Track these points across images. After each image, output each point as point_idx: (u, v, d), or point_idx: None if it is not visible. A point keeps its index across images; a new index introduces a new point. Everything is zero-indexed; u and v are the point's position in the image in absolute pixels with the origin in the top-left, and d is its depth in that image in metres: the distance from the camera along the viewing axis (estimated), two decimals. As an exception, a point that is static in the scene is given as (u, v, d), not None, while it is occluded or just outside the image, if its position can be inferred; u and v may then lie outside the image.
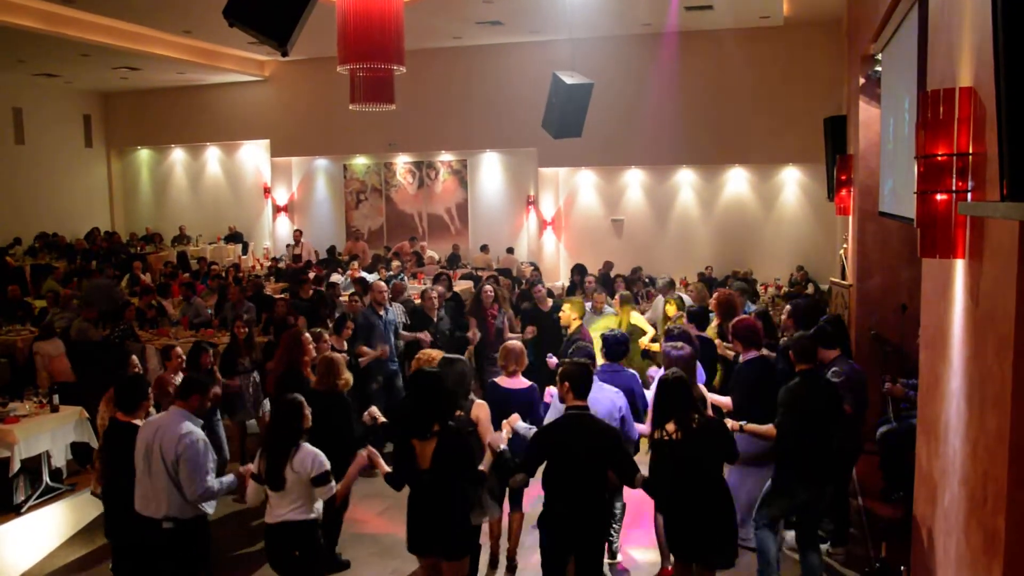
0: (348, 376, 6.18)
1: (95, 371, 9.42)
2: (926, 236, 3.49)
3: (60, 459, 7.68)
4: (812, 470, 5.53)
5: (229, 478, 5.14)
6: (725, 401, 6.51)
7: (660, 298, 10.46)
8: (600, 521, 4.95)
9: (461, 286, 13.63)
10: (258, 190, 22.00)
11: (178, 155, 22.97)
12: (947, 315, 3.99)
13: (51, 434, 7.51)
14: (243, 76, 20.21)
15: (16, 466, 7.06)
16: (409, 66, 12.92)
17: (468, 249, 19.73)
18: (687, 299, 10.37)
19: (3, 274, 14.69)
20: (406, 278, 14.54)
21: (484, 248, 18.81)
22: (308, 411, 4.94)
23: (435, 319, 9.49)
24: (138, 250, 19.54)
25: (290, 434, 4.85)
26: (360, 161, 21.09)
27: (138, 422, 5.36)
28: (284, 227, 21.63)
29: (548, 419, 5.59)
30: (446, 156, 20.33)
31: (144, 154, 23.26)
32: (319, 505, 4.94)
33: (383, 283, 10.00)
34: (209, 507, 5.16)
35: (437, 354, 5.84)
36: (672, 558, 5.46)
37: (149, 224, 22.57)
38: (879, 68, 8.35)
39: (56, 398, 7.74)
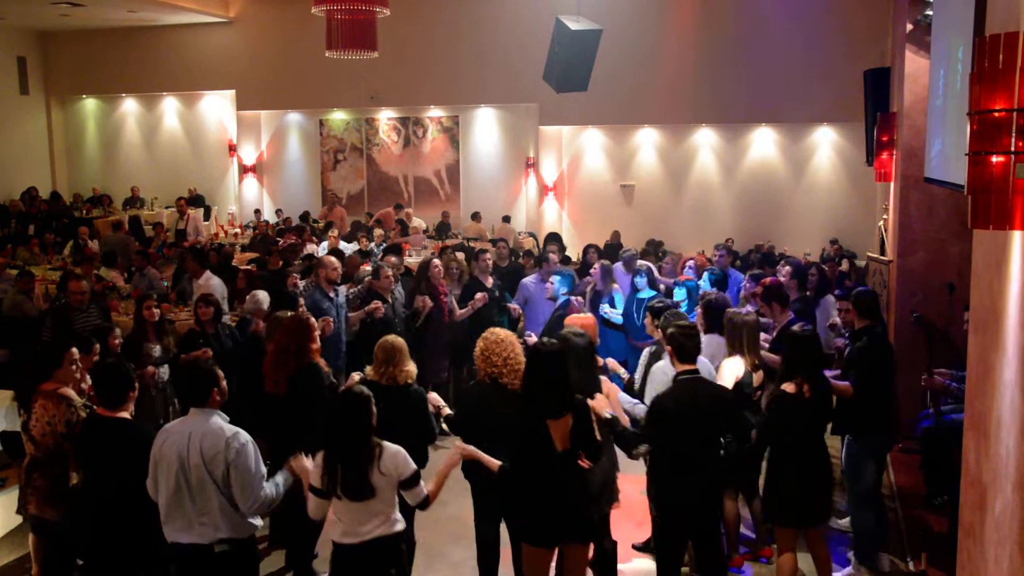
0: (412, 366, 5.86)
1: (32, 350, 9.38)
2: (978, 204, 3.42)
3: (-13, 450, 7.59)
4: (891, 428, 6.36)
5: (284, 476, 4.85)
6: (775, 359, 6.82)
7: (619, 266, 10.54)
8: (720, 494, 5.52)
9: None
10: (222, 147, 21.87)
11: (130, 106, 22.77)
12: (1001, 296, 3.93)
13: (-24, 422, 7.43)
14: (204, 16, 19.98)
15: (-64, 457, 6.99)
16: (394, 8, 12.88)
17: (459, 217, 19.69)
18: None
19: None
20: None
21: (476, 216, 18.74)
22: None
23: (390, 300, 8.90)
24: (84, 214, 19.44)
25: (366, 434, 4.55)
26: (338, 116, 20.96)
27: (125, 415, 4.99)
28: (252, 190, 21.55)
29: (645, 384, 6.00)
30: (435, 112, 20.21)
31: (90, 104, 23.05)
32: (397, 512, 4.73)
33: (334, 258, 9.34)
34: (257, 520, 4.84)
35: (585, 319, 6.09)
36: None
37: (96, 184, 22.41)
38: (930, 12, 8.23)
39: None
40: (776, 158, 17.93)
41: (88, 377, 6.06)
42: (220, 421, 4.68)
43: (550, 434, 4.80)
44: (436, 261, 9.54)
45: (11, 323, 9.89)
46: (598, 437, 5.05)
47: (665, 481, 5.31)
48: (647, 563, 6.54)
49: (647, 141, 18.78)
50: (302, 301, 7.96)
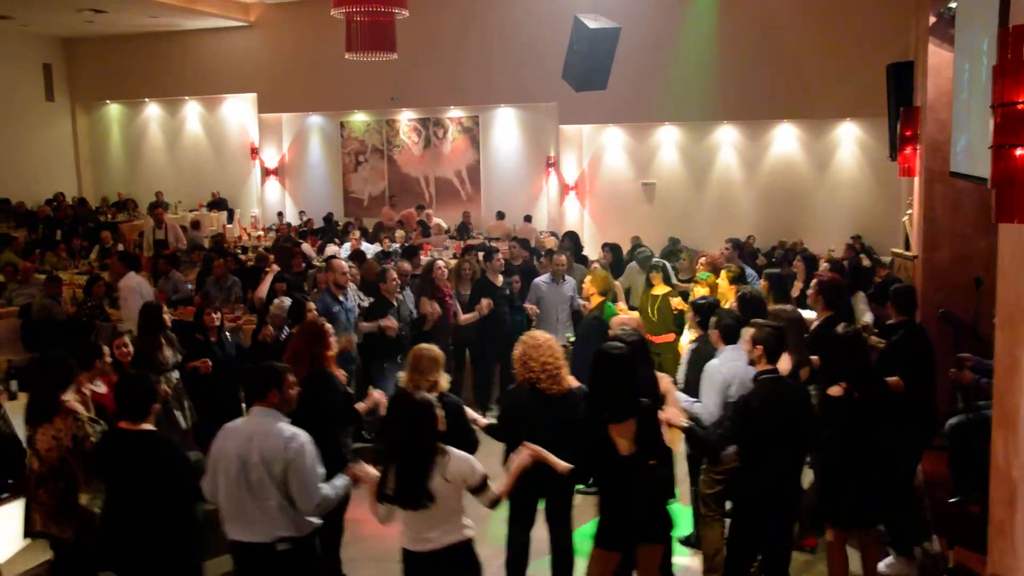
0: (443, 377, 5.66)
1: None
2: (1003, 197, 3.39)
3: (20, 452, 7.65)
4: (930, 422, 6.59)
5: (343, 480, 4.85)
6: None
7: (634, 265, 10.74)
8: (799, 492, 5.48)
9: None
10: (244, 151, 21.98)
11: (153, 111, 22.96)
12: (1029, 290, 3.89)
13: (8, 424, 7.48)
14: (225, 21, 20.11)
15: (-32, 460, 7.02)
16: (413, 9, 12.89)
17: (480, 217, 19.70)
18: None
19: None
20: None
21: (501, 215, 18.74)
22: (441, 412, 4.65)
23: (395, 303, 8.74)
24: (109, 218, 19.57)
25: (428, 440, 4.48)
26: (359, 118, 21.03)
27: (148, 427, 4.91)
28: (274, 192, 21.66)
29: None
30: (455, 112, 20.24)
31: (114, 109, 23.25)
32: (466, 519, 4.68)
33: (343, 261, 9.24)
34: (315, 519, 4.82)
35: (632, 315, 6.05)
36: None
37: (121, 189, 22.62)
38: (953, 4, 8.15)
39: (14, 384, 7.74)
40: (798, 154, 17.82)
41: (96, 384, 6.11)
42: (279, 422, 4.65)
43: (612, 439, 4.77)
44: (440, 263, 9.46)
45: (39, 327, 9.99)
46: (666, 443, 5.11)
47: (748, 478, 5.30)
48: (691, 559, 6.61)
49: (668, 139, 18.72)
50: (313, 306, 7.91)
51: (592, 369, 4.96)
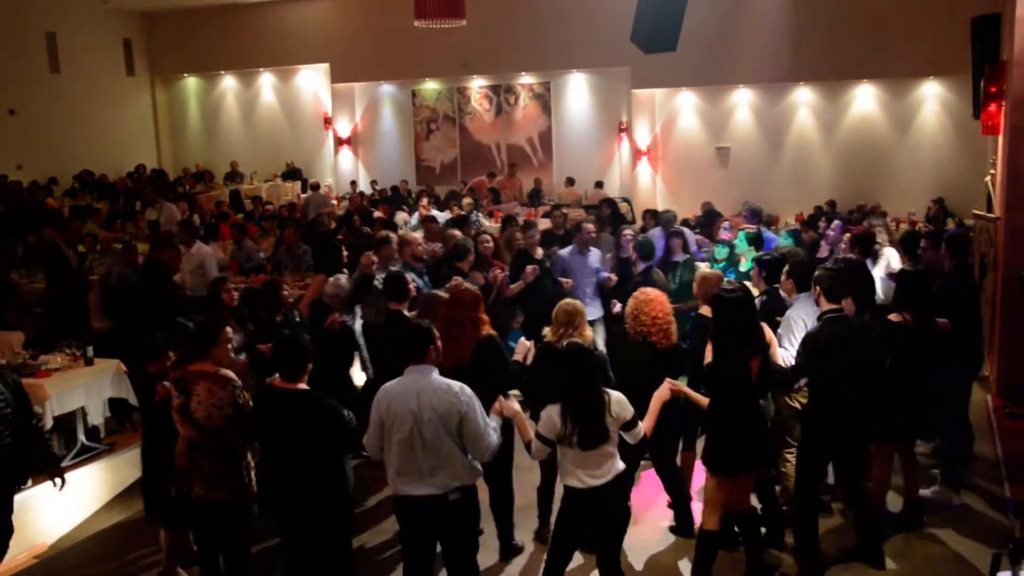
0: (590, 331, 6.05)
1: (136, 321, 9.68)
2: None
3: (97, 416, 7.88)
4: (978, 357, 7.36)
5: (495, 421, 5.02)
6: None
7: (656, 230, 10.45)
8: (863, 420, 5.81)
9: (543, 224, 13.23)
10: (318, 121, 22.17)
11: (229, 83, 23.29)
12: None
13: (86, 389, 7.69)
14: (298, -8, 20.24)
15: (48, 423, 7.24)
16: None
17: (552, 183, 19.60)
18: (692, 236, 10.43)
19: (39, 216, 15.06)
20: (481, 216, 14.40)
21: (571, 181, 18.59)
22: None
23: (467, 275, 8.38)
24: (187, 189, 19.94)
25: (596, 382, 4.90)
26: (430, 86, 21.03)
27: (303, 386, 5.04)
28: (347, 162, 21.84)
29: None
30: (526, 78, 20.10)
31: (191, 82, 23.64)
32: None
33: (416, 234, 9.10)
34: (479, 466, 5.05)
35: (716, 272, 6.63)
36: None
37: (199, 160, 22.97)
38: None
39: (90, 350, 7.92)
40: (878, 115, 17.24)
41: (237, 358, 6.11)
42: (440, 377, 4.87)
43: (751, 372, 5.28)
44: (485, 236, 9.33)
45: (117, 295, 10.20)
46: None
47: (815, 408, 5.76)
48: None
49: (742, 101, 18.31)
50: (413, 278, 7.63)
51: (719, 313, 5.40)
